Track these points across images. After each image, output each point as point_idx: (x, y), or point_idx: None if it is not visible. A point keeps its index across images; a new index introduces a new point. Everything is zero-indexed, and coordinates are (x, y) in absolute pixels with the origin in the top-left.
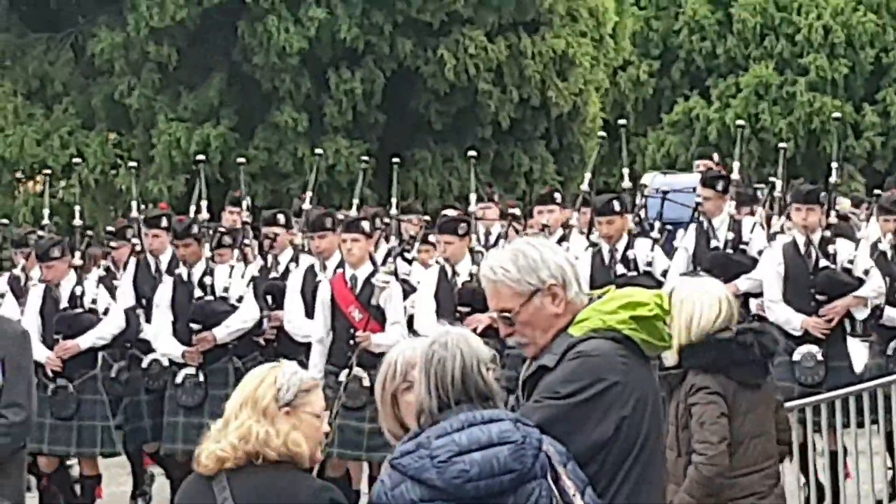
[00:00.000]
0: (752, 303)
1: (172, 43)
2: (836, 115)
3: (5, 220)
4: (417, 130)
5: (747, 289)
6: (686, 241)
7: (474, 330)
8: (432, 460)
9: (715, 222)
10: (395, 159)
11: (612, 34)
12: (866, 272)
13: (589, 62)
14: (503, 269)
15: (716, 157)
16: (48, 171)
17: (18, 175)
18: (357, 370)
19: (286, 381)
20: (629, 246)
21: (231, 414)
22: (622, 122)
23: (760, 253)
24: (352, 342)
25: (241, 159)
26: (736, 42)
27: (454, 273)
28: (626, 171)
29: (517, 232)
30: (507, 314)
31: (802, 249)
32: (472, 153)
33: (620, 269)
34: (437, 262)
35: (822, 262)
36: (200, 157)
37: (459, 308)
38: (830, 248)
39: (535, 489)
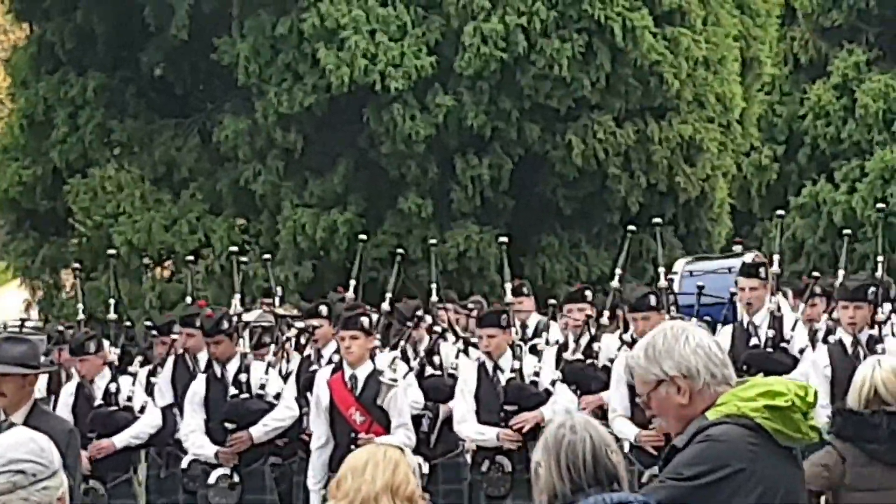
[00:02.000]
0: None
1: (299, 129)
2: (881, 205)
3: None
4: (545, 215)
5: None
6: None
7: (520, 430)
8: None
9: (756, 318)
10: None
11: (740, 120)
12: None
13: (717, 147)
14: (636, 355)
15: (739, 249)
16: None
17: (146, 261)
18: None
19: (415, 464)
20: None
21: (366, 497)
22: (656, 220)
23: (802, 351)
24: (353, 447)
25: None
26: (858, 127)
27: (496, 368)
28: (661, 269)
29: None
30: (643, 399)
31: (850, 350)
32: (503, 238)
33: None
34: (477, 358)
35: None
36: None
37: (505, 406)
38: (879, 347)
39: None
